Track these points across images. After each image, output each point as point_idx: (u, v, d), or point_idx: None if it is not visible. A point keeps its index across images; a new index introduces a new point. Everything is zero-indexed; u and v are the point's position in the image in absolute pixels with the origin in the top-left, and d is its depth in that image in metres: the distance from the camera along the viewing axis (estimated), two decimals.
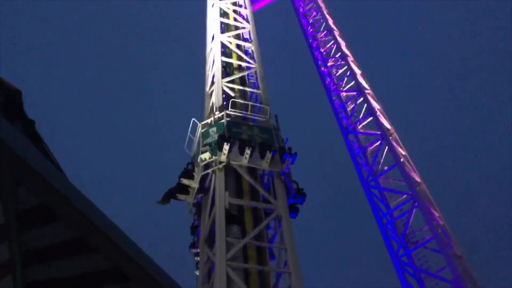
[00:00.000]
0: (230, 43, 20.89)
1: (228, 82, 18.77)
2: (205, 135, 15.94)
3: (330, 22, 33.83)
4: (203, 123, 16.54)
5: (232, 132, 15.37)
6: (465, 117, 74.43)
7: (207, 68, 20.29)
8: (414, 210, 23.59)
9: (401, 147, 26.80)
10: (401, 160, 25.65)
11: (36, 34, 71.43)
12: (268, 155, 14.91)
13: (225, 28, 22.10)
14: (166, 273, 2.56)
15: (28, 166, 2.28)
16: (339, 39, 32.23)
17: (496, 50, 74.43)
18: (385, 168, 26.30)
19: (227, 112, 16.50)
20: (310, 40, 33.86)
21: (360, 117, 28.25)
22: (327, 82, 31.03)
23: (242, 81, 19.69)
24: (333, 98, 30.17)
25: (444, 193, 52.16)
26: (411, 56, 79.51)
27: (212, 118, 16.47)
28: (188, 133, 16.36)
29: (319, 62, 32.19)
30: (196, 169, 14.98)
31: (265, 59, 22.13)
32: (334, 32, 32.81)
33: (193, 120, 16.54)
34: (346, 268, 63.16)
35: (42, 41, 73.29)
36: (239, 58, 20.32)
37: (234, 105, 17.29)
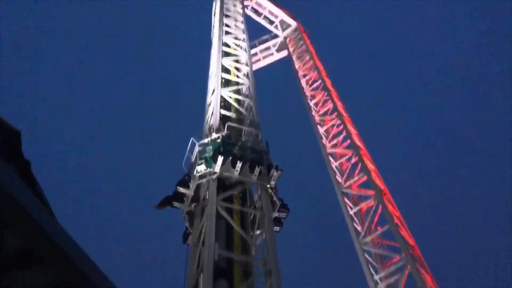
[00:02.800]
0: (230, 97, 21.57)
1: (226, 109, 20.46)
2: (201, 152, 17.43)
3: (328, 83, 34.83)
4: (200, 142, 17.96)
5: (226, 149, 16.90)
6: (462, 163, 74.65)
7: (206, 118, 21.04)
8: (406, 273, 23.18)
9: (394, 208, 26.74)
10: (394, 221, 25.51)
11: (35, 26, 71.96)
12: (257, 169, 16.45)
13: (225, 83, 22.97)
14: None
15: (20, 209, 2.30)
16: (335, 100, 33.05)
17: None
18: (379, 228, 26.09)
19: (223, 134, 18.09)
20: (308, 99, 34.66)
21: (355, 175, 28.40)
22: (323, 140, 31.44)
23: (238, 104, 21.39)
24: (329, 157, 30.45)
25: (437, 255, 51.39)
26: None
27: (209, 139, 17.92)
28: (187, 152, 17.75)
29: (316, 120, 32.78)
30: (192, 180, 16.38)
31: (263, 113, 22.58)
32: (331, 93, 33.69)
33: (192, 139, 17.89)
34: None
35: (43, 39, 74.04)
36: (238, 112, 21.17)
37: (230, 129, 18.92)
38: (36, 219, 2.39)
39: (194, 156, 17.55)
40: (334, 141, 30.86)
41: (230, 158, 16.39)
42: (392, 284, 23.99)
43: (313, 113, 33.31)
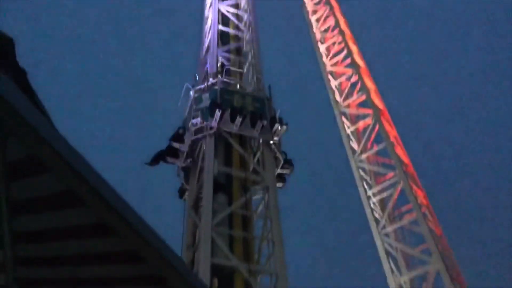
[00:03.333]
0: (228, 11, 20.53)
1: (224, 51, 18.45)
2: (197, 100, 15.82)
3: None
4: (196, 88, 16.33)
5: (225, 99, 15.26)
6: (459, 100, 74.76)
7: (203, 35, 20.01)
8: (399, 189, 23.97)
9: (391, 127, 27.00)
10: (390, 139, 25.88)
11: None
12: (259, 124, 14.98)
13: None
14: (152, 228, 2.62)
15: (20, 117, 2.29)
16: (338, 15, 31.89)
17: None
18: (374, 146, 26.55)
19: (221, 79, 16.26)
20: (310, 15, 33.44)
21: (354, 94, 28.29)
22: (323, 59, 30.86)
23: (237, 51, 19.36)
24: (329, 75, 30.09)
25: (432, 176, 52.85)
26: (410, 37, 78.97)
27: (205, 84, 16.27)
28: (181, 98, 16.38)
29: (317, 38, 31.90)
30: (187, 133, 15.01)
31: (262, 31, 21.82)
32: (334, 8, 32.41)
33: (186, 85, 16.45)
34: (328, 243, 64.31)
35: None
36: (236, 28, 19.93)
37: (228, 73, 17.11)
38: (37, 128, 2.39)
39: (189, 106, 16.09)
40: (335, 60, 30.30)
41: (229, 110, 14.83)
42: (385, 199, 24.91)
43: (314, 30, 32.32)
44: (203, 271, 11.69)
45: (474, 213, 65.66)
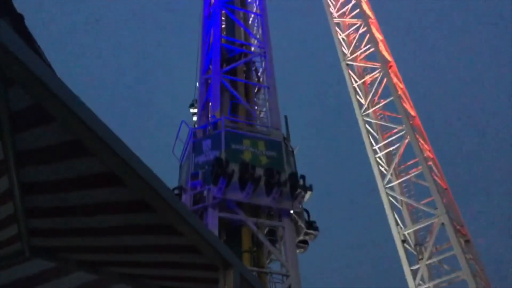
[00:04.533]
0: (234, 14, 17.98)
1: (228, 73, 15.64)
2: (196, 147, 12.80)
3: None
4: (196, 129, 13.64)
5: (232, 152, 12.29)
6: (468, 56, 73.21)
7: (203, 49, 17.19)
8: (406, 142, 23.95)
9: (399, 81, 26.61)
10: (398, 93, 25.57)
11: None
12: (276, 191, 11.96)
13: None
14: (159, 178, 2.60)
15: (21, 64, 2.22)
16: None
17: None
18: (382, 100, 26.29)
19: (226, 118, 13.28)
20: None
21: (362, 47, 27.71)
22: (330, 8, 30.00)
23: (246, 74, 16.62)
24: (335, 27, 29.36)
25: (438, 130, 52.62)
26: None
27: (207, 128, 13.41)
28: (177, 137, 13.83)
29: None
30: (183, 195, 12.11)
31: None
32: None
33: (183, 123, 13.87)
34: (336, 200, 65.09)
35: None
36: (244, 42, 17.43)
37: (236, 110, 14.51)
38: (39, 75, 2.32)
39: (186, 153, 13.17)
40: (343, 10, 29.47)
41: (238, 175, 11.56)
42: (391, 153, 24.93)
43: None
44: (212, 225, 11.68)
45: (478, 164, 65.80)
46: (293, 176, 12.54)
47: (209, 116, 14.10)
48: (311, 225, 12.96)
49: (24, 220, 3.33)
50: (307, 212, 13.23)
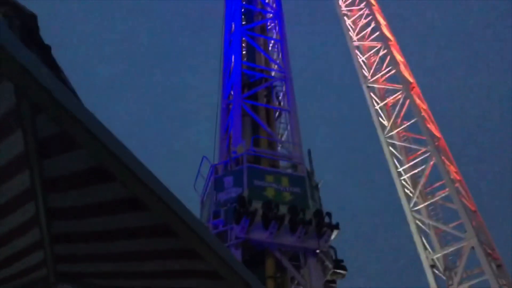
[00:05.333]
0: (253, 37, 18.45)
1: (249, 98, 15.66)
2: (218, 184, 12.53)
3: None
4: (216, 165, 13.42)
5: (254, 189, 11.87)
6: (494, 75, 72.15)
7: (224, 77, 17.51)
8: (432, 164, 23.51)
9: (422, 101, 26.35)
10: (422, 114, 25.30)
11: None
12: (301, 230, 11.51)
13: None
14: (182, 203, 2.61)
15: (49, 93, 2.29)
16: None
17: None
18: (405, 122, 26.01)
19: (248, 152, 12.89)
20: None
21: (383, 69, 27.67)
22: (350, 32, 30.18)
23: (267, 112, 16.24)
24: (355, 50, 29.45)
25: (464, 150, 51.57)
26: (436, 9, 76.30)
27: (228, 164, 13.09)
28: (198, 172, 13.48)
29: (342, 11, 31.19)
30: None
31: (285, 8, 21.25)
32: None
33: (205, 159, 13.57)
34: (361, 227, 63.94)
35: None
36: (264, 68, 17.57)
37: (258, 143, 14.22)
38: (66, 105, 2.38)
39: (207, 191, 13.01)
40: (362, 33, 29.61)
41: (261, 214, 11.26)
42: (416, 175, 24.48)
43: (340, 2, 31.60)
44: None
45: (509, 189, 63.88)
46: (319, 213, 12.04)
47: (230, 150, 13.87)
48: (338, 263, 12.36)
49: (50, 246, 3.37)
50: (334, 250, 12.67)
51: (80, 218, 3.05)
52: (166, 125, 73.75)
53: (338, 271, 12.29)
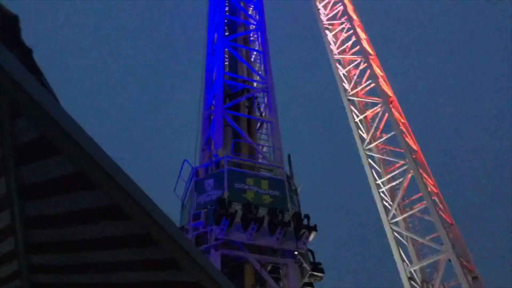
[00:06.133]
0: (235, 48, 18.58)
1: (231, 108, 15.78)
2: (199, 187, 12.64)
3: None
4: (197, 168, 13.51)
5: (235, 191, 12.07)
6: (467, 88, 73.93)
7: (206, 81, 17.71)
8: (409, 177, 23.81)
9: (401, 115, 26.76)
10: (400, 127, 25.66)
11: None
12: (280, 232, 11.68)
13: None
14: (164, 213, 2.56)
15: (29, 97, 2.22)
16: (346, 1, 31.52)
17: None
18: (383, 135, 26.35)
19: (229, 158, 13.12)
20: (317, 1, 33.10)
21: (362, 82, 28.04)
22: (331, 46, 30.56)
23: (249, 102, 16.84)
24: (336, 63, 29.81)
25: (440, 162, 52.50)
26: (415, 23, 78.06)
27: (209, 166, 13.20)
28: (179, 174, 13.58)
29: (324, 25, 31.59)
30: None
31: (268, 20, 21.40)
32: None
33: (186, 162, 13.68)
34: (340, 233, 64.17)
35: None
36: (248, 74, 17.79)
37: (238, 146, 14.51)
38: (46, 108, 2.32)
39: (188, 192, 13.22)
40: (343, 47, 30.01)
41: (241, 215, 11.42)
42: (394, 187, 24.74)
43: (321, 16, 32.01)
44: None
45: (484, 201, 65.18)
46: (297, 215, 12.25)
47: (211, 154, 13.95)
48: (316, 266, 12.56)
49: (25, 256, 3.26)
50: (312, 252, 12.91)
51: (58, 226, 2.96)
52: (147, 133, 73.16)
53: (315, 273, 12.42)
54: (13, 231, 3.11)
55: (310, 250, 12.87)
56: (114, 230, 2.72)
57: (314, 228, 12.17)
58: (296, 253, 12.11)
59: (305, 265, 12.40)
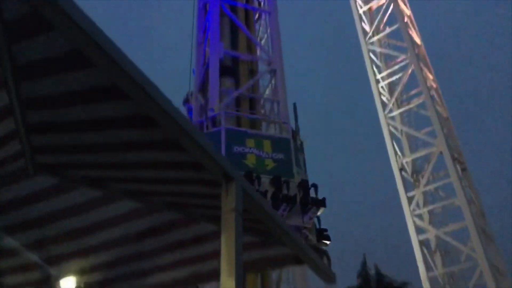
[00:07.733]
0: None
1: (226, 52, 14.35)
2: None
3: None
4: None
5: (234, 157, 10.82)
6: None
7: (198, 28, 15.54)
8: (409, 72, 23.62)
9: (406, 7, 25.70)
10: (405, 20, 24.80)
11: None
12: (284, 207, 10.69)
13: None
14: (164, 94, 2.53)
15: None
16: None
17: None
18: (387, 28, 25.55)
19: (226, 114, 11.90)
20: None
21: None
22: None
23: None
24: None
25: (442, 58, 51.68)
26: None
27: (204, 122, 12.07)
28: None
29: None
30: None
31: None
32: None
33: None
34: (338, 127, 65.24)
35: None
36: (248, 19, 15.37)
37: (238, 102, 13.41)
38: None
39: None
40: None
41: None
42: (394, 82, 24.67)
43: None
44: None
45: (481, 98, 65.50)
46: (304, 184, 11.28)
47: (206, 101, 12.77)
48: (321, 233, 11.76)
49: (26, 137, 3.30)
50: (318, 218, 11.99)
51: (56, 107, 2.95)
52: (140, 22, 70.54)
53: (321, 243, 11.74)
54: (12, 112, 3.11)
55: (317, 217, 11.79)
56: (113, 110, 2.72)
57: (322, 203, 11.33)
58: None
59: (310, 237, 11.53)
